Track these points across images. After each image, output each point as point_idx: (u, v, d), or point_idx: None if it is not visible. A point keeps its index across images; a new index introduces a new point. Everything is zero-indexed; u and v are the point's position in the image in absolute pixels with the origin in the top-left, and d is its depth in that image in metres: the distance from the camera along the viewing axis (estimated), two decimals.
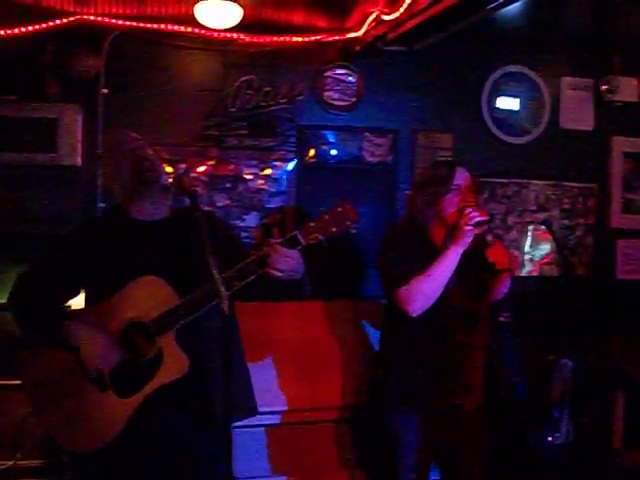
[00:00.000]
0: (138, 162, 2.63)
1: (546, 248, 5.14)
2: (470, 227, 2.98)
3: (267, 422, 3.71)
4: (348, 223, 2.42)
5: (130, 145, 2.69)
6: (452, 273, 3.02)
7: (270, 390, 3.73)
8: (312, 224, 2.42)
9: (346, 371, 3.88)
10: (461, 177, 3.13)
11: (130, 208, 2.69)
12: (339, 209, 2.42)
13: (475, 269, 3.13)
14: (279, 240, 2.43)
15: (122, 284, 2.50)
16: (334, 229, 2.41)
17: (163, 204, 2.71)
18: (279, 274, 2.43)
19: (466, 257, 3.06)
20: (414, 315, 3.01)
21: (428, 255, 3.02)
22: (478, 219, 2.98)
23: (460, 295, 3.08)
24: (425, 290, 2.99)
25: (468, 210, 3.01)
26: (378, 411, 3.23)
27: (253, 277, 2.45)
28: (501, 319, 4.10)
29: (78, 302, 2.76)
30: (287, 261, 2.42)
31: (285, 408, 3.78)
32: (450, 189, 3.10)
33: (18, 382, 2.66)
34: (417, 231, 3.15)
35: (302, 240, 2.42)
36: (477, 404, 3.16)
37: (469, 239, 3.00)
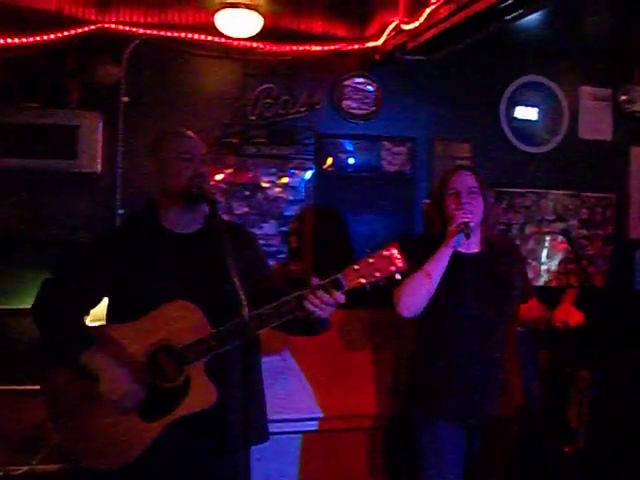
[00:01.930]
0: (195, 174, 2.56)
1: (564, 258, 5.12)
2: (452, 228, 3.00)
3: (298, 429, 3.71)
4: (393, 269, 2.35)
5: (192, 150, 2.62)
6: (470, 284, 3.03)
7: (300, 397, 3.72)
8: (356, 267, 2.36)
9: (379, 380, 3.88)
10: (458, 181, 3.11)
11: (162, 215, 2.65)
12: (385, 253, 2.36)
13: (501, 285, 3.12)
14: (321, 283, 2.38)
15: (149, 299, 2.45)
16: (378, 274, 2.35)
17: (199, 214, 2.64)
18: (316, 318, 2.41)
19: (493, 270, 3.07)
20: (405, 315, 3.03)
21: None
22: (460, 221, 2.99)
23: (481, 307, 3.06)
24: (408, 290, 2.99)
25: (458, 212, 3.02)
26: (407, 420, 3.23)
27: (290, 316, 2.41)
28: (519, 329, 4.09)
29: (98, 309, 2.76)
30: (327, 306, 2.38)
31: (318, 415, 3.78)
32: (446, 194, 3.10)
33: (35, 387, 2.64)
34: (430, 237, 3.17)
35: (345, 284, 2.37)
36: (508, 412, 3.14)
37: (452, 241, 2.99)
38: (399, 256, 2.36)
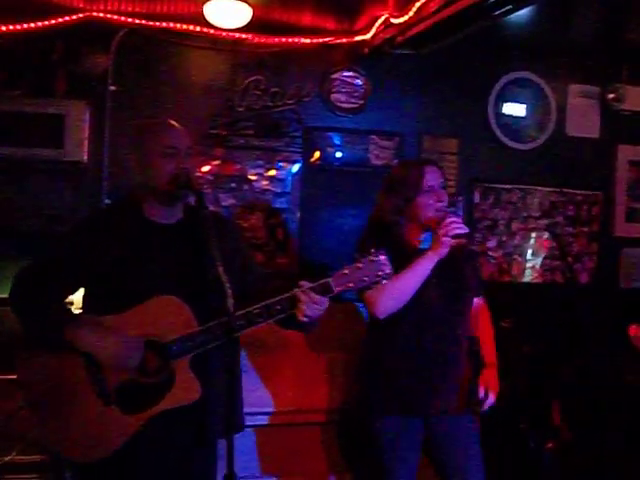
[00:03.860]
0: (177, 173, 2.49)
1: (549, 255, 5.14)
2: (449, 238, 2.93)
3: (256, 423, 3.70)
4: (380, 274, 2.40)
5: (175, 145, 2.54)
6: (427, 279, 3.00)
7: (259, 391, 3.72)
8: (345, 272, 2.40)
9: (332, 374, 3.88)
10: (432, 177, 3.05)
11: (144, 206, 2.59)
12: (373, 259, 2.40)
13: (457, 280, 3.12)
14: (311, 285, 2.40)
15: (131, 288, 2.43)
16: (366, 279, 2.40)
17: (179, 206, 2.62)
18: (306, 320, 2.41)
19: (448, 266, 3.06)
20: (381, 317, 2.99)
21: (403, 258, 2.96)
22: (458, 231, 2.92)
23: (439, 302, 3.06)
24: (392, 294, 2.95)
25: (449, 220, 2.94)
26: (363, 415, 3.22)
27: (281, 316, 2.42)
28: (504, 325, 4.10)
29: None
30: (317, 308, 2.40)
31: (274, 410, 3.77)
32: (421, 192, 3.05)
33: (16, 377, 2.60)
34: (389, 235, 3.09)
35: (334, 288, 2.40)
36: (465, 406, 3.15)
37: (447, 249, 2.95)
38: (387, 262, 2.41)
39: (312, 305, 2.39)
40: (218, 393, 2.37)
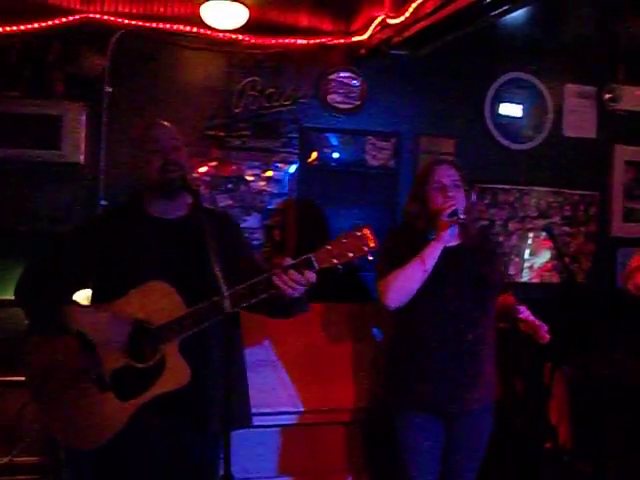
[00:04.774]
0: (164, 163, 2.57)
1: (546, 255, 5.14)
2: (445, 219, 2.98)
3: (277, 422, 3.70)
4: (365, 249, 2.36)
5: (160, 140, 2.62)
6: (443, 275, 3.02)
7: (280, 391, 3.71)
8: (328, 247, 2.36)
9: (358, 374, 3.88)
10: (443, 174, 3.10)
11: (146, 203, 2.66)
12: (357, 234, 2.36)
13: (476, 274, 3.13)
14: (292, 262, 2.39)
15: (132, 284, 2.48)
16: (351, 254, 2.35)
17: (181, 202, 2.67)
18: (289, 296, 2.41)
19: (466, 261, 3.08)
20: (391, 307, 3.03)
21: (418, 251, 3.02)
22: (450, 209, 2.98)
23: (457, 297, 3.07)
24: (398, 283, 2.99)
25: (445, 205, 3.01)
26: (382, 413, 3.23)
27: (264, 295, 2.42)
28: (501, 325, 4.10)
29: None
30: (298, 286, 2.39)
31: (295, 409, 3.77)
32: (430, 187, 3.10)
33: (16, 379, 2.64)
34: (413, 231, 3.14)
35: (316, 264, 2.37)
36: (484, 403, 3.15)
37: (446, 233, 3.00)
38: (371, 236, 2.37)
39: (292, 283, 2.38)
40: (216, 381, 2.40)
